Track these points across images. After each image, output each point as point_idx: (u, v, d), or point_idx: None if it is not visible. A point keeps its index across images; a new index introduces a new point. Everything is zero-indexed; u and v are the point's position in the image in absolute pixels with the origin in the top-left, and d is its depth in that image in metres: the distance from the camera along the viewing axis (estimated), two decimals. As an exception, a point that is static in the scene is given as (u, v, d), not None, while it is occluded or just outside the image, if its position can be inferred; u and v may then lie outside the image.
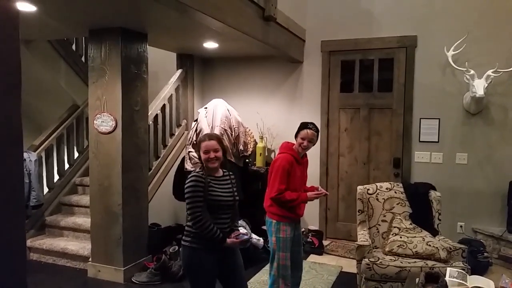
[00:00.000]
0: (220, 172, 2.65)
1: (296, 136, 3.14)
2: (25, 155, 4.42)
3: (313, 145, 3.14)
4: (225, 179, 2.64)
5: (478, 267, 3.94)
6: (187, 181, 2.50)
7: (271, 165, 3.13)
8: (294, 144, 3.15)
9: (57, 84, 5.33)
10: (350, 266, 4.27)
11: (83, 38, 5.54)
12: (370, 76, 5.05)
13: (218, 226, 2.51)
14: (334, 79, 5.20)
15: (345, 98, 5.17)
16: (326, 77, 5.20)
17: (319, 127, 5.07)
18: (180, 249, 2.70)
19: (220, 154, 2.57)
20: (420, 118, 4.80)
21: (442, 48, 4.51)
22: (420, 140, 4.81)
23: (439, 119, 4.72)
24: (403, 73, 4.87)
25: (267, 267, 4.25)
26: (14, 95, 2.07)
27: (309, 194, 3.07)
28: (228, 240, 2.52)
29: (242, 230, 2.81)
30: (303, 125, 3.13)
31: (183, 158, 4.91)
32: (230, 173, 2.74)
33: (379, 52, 4.97)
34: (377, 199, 3.85)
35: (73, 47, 5.53)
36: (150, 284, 3.90)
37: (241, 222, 4.30)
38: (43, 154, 4.88)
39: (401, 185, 3.99)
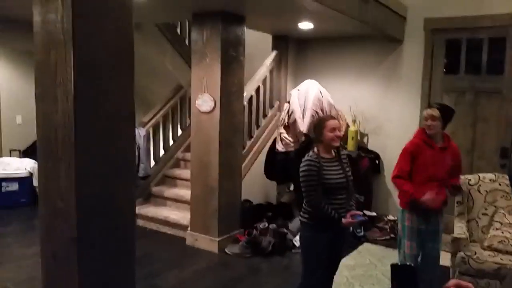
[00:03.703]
0: (332, 154, 2.67)
1: None
2: (135, 130, 4.90)
3: (441, 122, 3.01)
4: (337, 160, 2.66)
5: None
6: (301, 165, 2.58)
7: None
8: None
9: (163, 65, 5.74)
10: (443, 259, 4.05)
11: (187, 21, 5.87)
12: (478, 57, 4.65)
13: (334, 207, 2.56)
14: (438, 59, 4.88)
15: (449, 80, 4.83)
16: (428, 57, 4.89)
17: (418, 112, 4.86)
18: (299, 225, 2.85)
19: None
20: (536, 104, 4.32)
21: None
22: (535, 128, 4.34)
23: (560, 105, 4.20)
24: (517, 54, 4.40)
25: (355, 252, 4.27)
26: (128, 75, 2.35)
27: (427, 195, 2.81)
28: (344, 221, 2.54)
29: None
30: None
31: (275, 139, 5.04)
32: (342, 154, 2.73)
33: (490, 31, 4.53)
34: (479, 191, 3.60)
35: (178, 30, 5.89)
36: (241, 256, 4.14)
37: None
38: (150, 130, 5.37)
39: (507, 177, 3.68)
